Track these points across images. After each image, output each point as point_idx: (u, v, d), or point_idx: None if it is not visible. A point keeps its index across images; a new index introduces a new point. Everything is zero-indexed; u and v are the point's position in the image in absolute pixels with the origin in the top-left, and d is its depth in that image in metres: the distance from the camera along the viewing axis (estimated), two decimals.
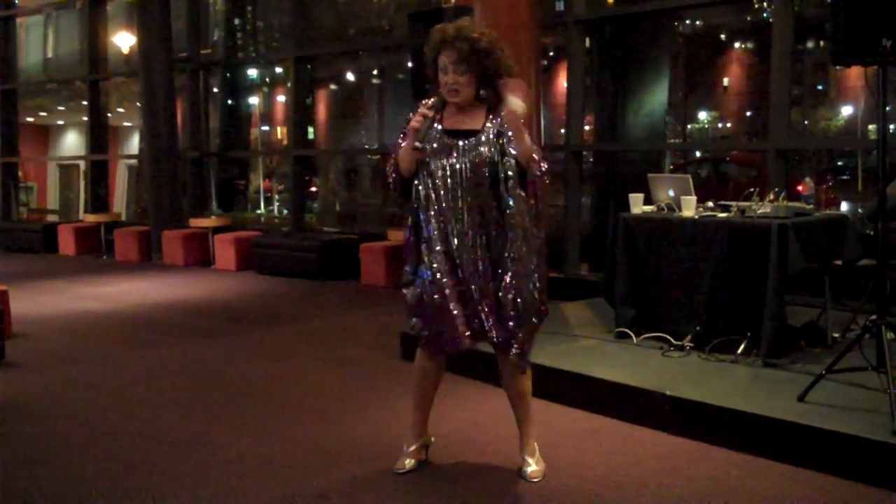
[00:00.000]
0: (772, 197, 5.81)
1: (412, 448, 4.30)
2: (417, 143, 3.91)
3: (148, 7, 13.10)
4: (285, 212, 15.51)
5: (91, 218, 14.98)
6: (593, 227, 10.26)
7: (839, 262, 5.88)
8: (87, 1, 15.57)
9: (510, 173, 3.93)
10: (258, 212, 17.08)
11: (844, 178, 12.11)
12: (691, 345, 5.78)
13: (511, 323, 3.97)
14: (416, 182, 4.06)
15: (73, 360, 6.91)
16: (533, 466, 4.16)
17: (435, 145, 4.00)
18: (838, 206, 10.37)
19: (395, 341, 6.77)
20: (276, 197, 17.31)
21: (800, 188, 6.25)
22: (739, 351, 5.56)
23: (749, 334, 5.56)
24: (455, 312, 3.98)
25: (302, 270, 11.30)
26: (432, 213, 4.01)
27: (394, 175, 4.11)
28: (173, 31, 13.51)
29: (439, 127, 4.02)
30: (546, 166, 3.99)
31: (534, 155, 3.91)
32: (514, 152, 3.91)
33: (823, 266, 5.81)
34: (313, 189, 15.30)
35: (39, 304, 9.49)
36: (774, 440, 4.39)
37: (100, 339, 7.73)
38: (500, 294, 3.96)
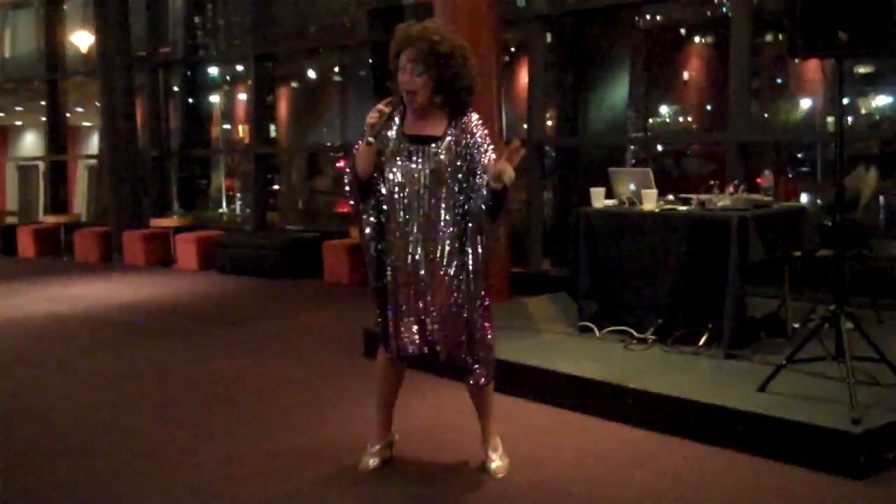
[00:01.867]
0: (732, 189, 5.85)
1: (376, 447, 4.29)
2: (370, 139, 3.87)
3: (106, 5, 12.99)
4: (248, 210, 15.43)
5: (51, 219, 14.83)
6: (556, 221, 10.28)
7: (798, 253, 5.93)
8: (44, 0, 15.39)
9: (476, 184, 3.89)
10: (220, 211, 16.95)
11: (804, 169, 12.21)
12: (654, 337, 5.81)
13: (463, 341, 4.01)
14: (374, 185, 4.02)
15: (35, 364, 6.84)
16: (497, 462, 4.16)
17: (394, 149, 3.97)
18: (798, 197, 10.48)
19: (357, 339, 6.75)
20: (238, 195, 17.20)
21: (759, 180, 6.28)
22: (701, 343, 5.60)
23: (710, 326, 5.60)
24: (402, 320, 4.01)
25: (264, 269, 11.24)
26: (388, 217, 3.98)
27: (350, 175, 4.05)
28: (132, 29, 13.40)
29: (399, 131, 4.00)
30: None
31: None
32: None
33: (783, 257, 5.86)
34: (275, 187, 15.21)
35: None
36: (736, 431, 4.42)
37: (61, 342, 7.65)
38: (451, 310, 3.97)
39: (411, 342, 4.03)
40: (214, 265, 11.93)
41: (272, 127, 14.26)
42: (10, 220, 19.34)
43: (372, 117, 3.90)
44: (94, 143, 21.65)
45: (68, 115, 16.79)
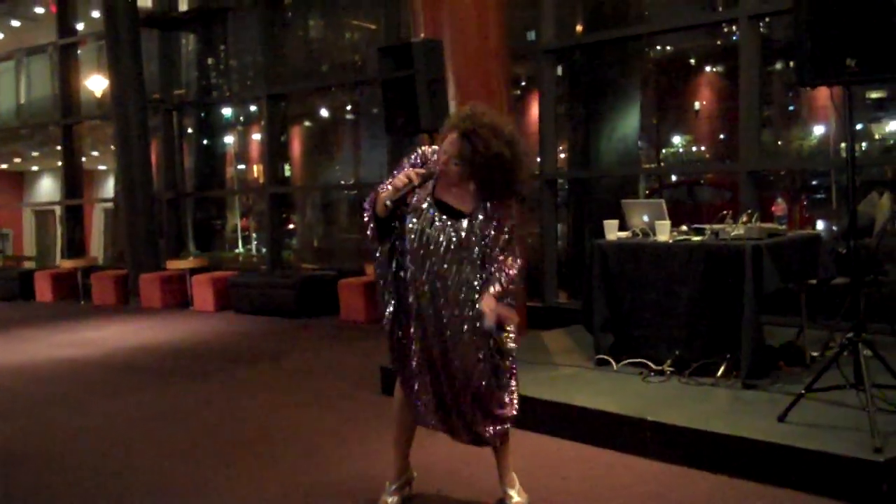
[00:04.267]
0: (745, 219, 5.83)
1: (395, 485, 4.26)
2: (388, 203, 3.84)
3: (120, 49, 13.12)
4: (263, 250, 15.47)
5: (68, 263, 14.90)
6: (570, 254, 10.27)
7: (814, 282, 5.90)
8: (58, 45, 15.57)
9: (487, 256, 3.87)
10: (236, 251, 17.01)
11: (819, 197, 12.17)
12: (671, 369, 5.78)
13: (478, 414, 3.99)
14: (394, 230, 4.00)
15: (53, 407, 6.84)
16: (516, 498, 4.13)
17: (423, 209, 3.92)
18: (813, 225, 10.43)
19: (375, 376, 6.74)
20: (254, 235, 17.26)
21: (773, 209, 6.27)
22: (719, 373, 5.57)
23: (728, 356, 5.57)
24: (417, 385, 4.00)
25: (280, 308, 11.25)
26: (406, 275, 3.95)
27: (370, 212, 4.02)
28: (146, 72, 13.52)
29: (430, 193, 3.93)
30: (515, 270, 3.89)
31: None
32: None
33: (799, 286, 5.83)
34: (291, 226, 15.26)
35: (17, 352, 9.41)
36: (756, 461, 4.39)
37: (79, 386, 7.66)
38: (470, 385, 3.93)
39: (428, 411, 4.03)
40: (230, 305, 11.96)
41: (286, 166, 14.33)
42: (28, 265, 19.44)
43: (400, 181, 3.85)
44: (109, 187, 21.80)
45: (84, 159, 16.92)
